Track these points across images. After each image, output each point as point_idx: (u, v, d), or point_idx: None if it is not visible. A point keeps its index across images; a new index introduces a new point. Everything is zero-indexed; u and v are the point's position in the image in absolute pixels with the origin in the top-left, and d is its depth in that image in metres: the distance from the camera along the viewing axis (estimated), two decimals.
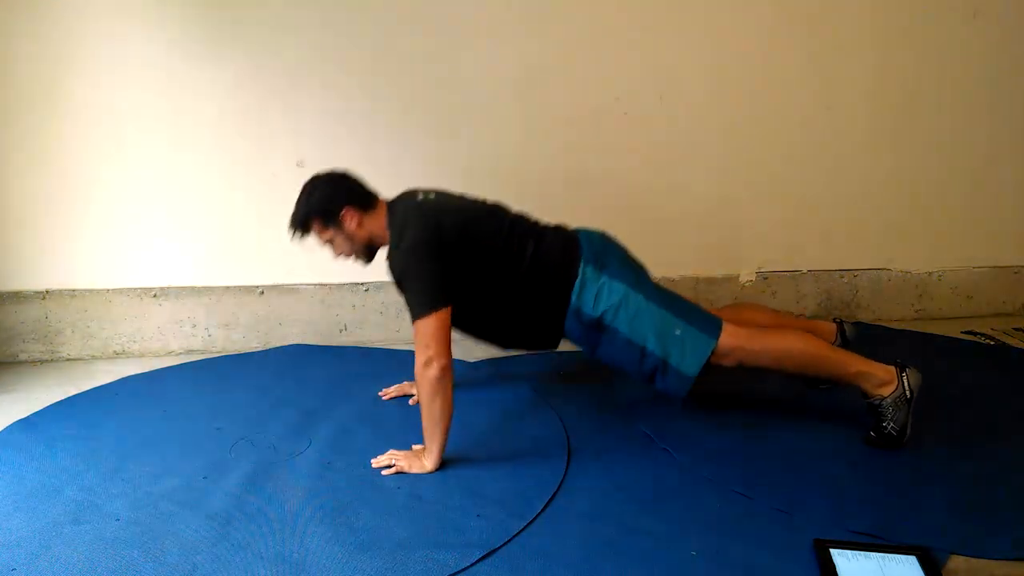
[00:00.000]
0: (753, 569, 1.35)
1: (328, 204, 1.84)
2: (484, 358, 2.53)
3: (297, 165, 2.53)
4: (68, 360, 2.56)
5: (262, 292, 2.64)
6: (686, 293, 2.21)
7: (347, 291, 2.68)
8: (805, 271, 2.93)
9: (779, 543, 1.42)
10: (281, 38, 2.42)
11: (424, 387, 1.70)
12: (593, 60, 2.58)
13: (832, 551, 1.37)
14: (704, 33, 2.61)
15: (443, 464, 1.73)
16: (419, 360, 1.70)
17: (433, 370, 1.68)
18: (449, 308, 1.73)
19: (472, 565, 1.36)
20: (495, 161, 2.57)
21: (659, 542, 1.43)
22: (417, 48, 2.49)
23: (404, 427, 1.96)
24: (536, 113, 2.60)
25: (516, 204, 1.97)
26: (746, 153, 2.75)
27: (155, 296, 2.58)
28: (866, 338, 2.11)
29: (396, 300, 2.70)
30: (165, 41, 2.37)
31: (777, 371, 1.83)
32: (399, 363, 2.45)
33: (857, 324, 2.22)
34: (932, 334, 2.78)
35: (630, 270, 1.86)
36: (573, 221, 1.98)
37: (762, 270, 2.90)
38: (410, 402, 2.10)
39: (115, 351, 2.60)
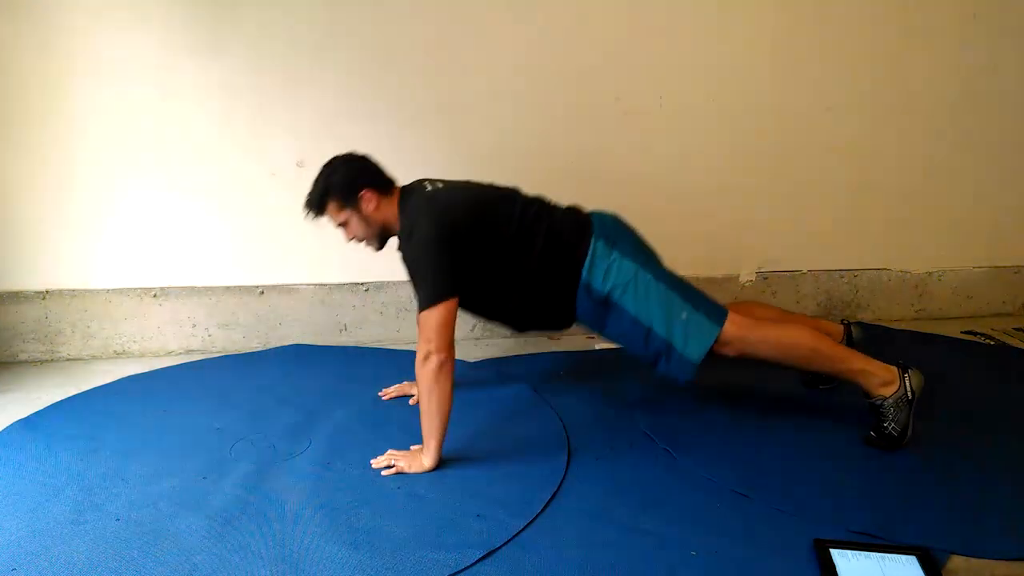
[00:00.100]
0: (753, 569, 1.35)
1: (348, 184, 1.84)
2: (484, 358, 2.54)
3: (297, 165, 2.53)
4: (68, 360, 2.56)
5: (262, 292, 2.63)
6: None
7: (347, 291, 2.68)
8: (805, 271, 2.93)
9: (779, 543, 1.42)
10: (281, 38, 2.42)
11: (423, 380, 1.70)
12: (593, 61, 2.58)
13: (832, 551, 1.37)
14: (704, 34, 2.61)
15: (443, 463, 1.73)
16: (420, 353, 1.70)
17: (432, 363, 1.68)
18: (455, 301, 1.73)
19: (472, 565, 1.36)
20: (495, 160, 2.56)
21: (659, 542, 1.43)
22: (417, 47, 2.49)
23: (404, 427, 1.96)
24: (536, 112, 2.60)
25: None
26: (746, 153, 2.75)
27: (155, 296, 2.58)
28: (867, 338, 2.11)
29: (396, 300, 2.71)
30: (165, 41, 2.37)
31: (779, 364, 1.83)
32: (399, 363, 2.45)
33: (861, 325, 2.22)
34: (932, 334, 2.78)
35: (640, 252, 1.88)
36: None
37: (762, 270, 2.90)
38: (410, 402, 2.10)
39: (115, 351, 2.60)
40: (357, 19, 2.44)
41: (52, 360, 2.56)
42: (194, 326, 2.62)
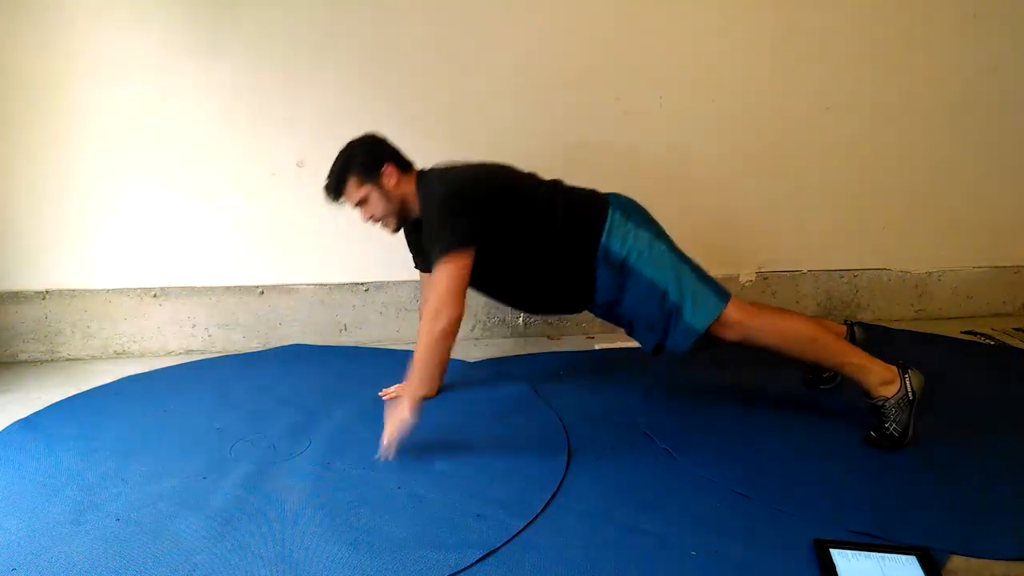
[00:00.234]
0: (753, 569, 1.35)
1: (370, 159, 1.88)
2: (484, 358, 2.54)
3: (297, 165, 2.53)
4: (68, 360, 2.56)
5: (262, 292, 2.64)
6: None
7: (347, 291, 2.68)
8: (805, 271, 2.93)
9: (779, 543, 1.42)
10: (281, 38, 2.42)
11: (427, 336, 1.70)
12: (593, 61, 2.59)
13: (832, 551, 1.37)
14: (704, 34, 2.61)
15: (443, 465, 1.73)
16: (429, 308, 1.70)
17: (442, 323, 1.68)
18: (471, 254, 1.75)
19: (472, 565, 1.36)
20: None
21: (659, 542, 1.43)
22: (417, 47, 2.49)
23: None
24: (536, 112, 2.60)
25: None
26: (746, 153, 2.75)
27: (155, 296, 2.58)
28: (868, 339, 2.11)
29: (396, 300, 2.71)
30: (165, 41, 2.37)
31: (780, 353, 1.84)
32: (399, 363, 2.43)
33: (864, 326, 2.23)
34: (932, 334, 2.78)
35: (654, 226, 1.95)
36: None
37: (762, 270, 2.90)
38: None
39: (115, 351, 2.60)
40: (357, 19, 2.44)
41: (52, 360, 2.56)
42: (194, 326, 2.62)
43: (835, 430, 1.90)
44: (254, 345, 2.66)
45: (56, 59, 2.33)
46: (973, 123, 2.83)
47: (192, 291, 2.59)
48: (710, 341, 1.88)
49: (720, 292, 1.86)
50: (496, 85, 2.56)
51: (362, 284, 2.68)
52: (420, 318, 2.12)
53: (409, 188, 1.91)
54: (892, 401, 1.76)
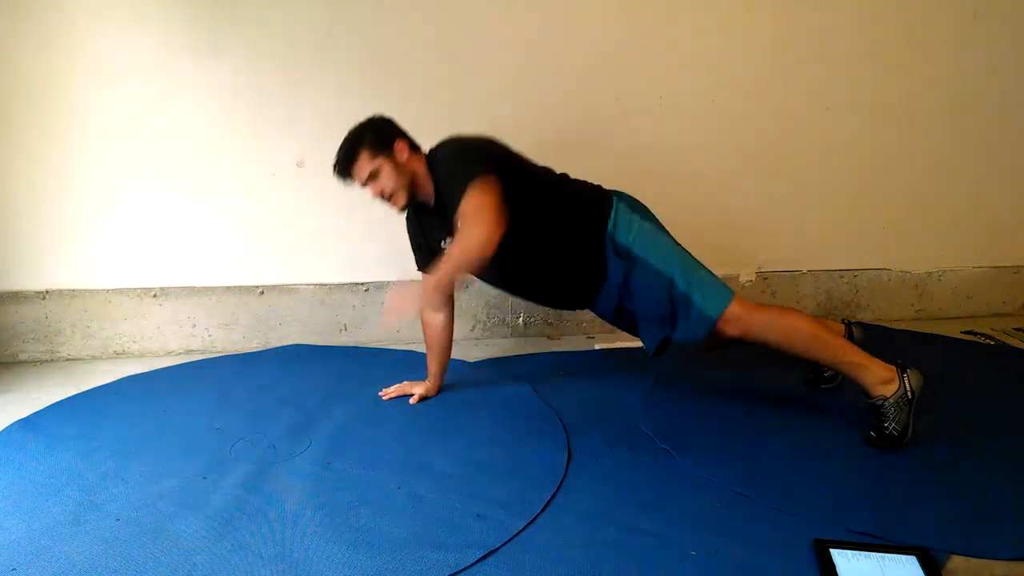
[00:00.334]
0: (753, 569, 1.35)
1: (382, 134, 1.89)
2: (484, 358, 2.54)
3: (297, 165, 2.53)
4: (68, 360, 2.56)
5: (262, 292, 2.64)
6: None
7: (347, 291, 2.68)
8: (805, 271, 2.93)
9: (779, 543, 1.42)
10: (280, 38, 2.42)
11: (467, 242, 1.69)
12: (593, 61, 2.59)
13: (832, 551, 1.37)
14: (704, 34, 2.61)
15: (443, 465, 1.74)
16: (470, 233, 1.69)
17: (480, 234, 1.68)
18: (497, 178, 1.75)
19: (472, 565, 1.36)
20: None
21: (659, 542, 1.43)
22: (417, 47, 2.49)
23: (404, 428, 1.96)
24: (535, 112, 2.60)
25: None
26: (746, 153, 2.75)
27: (155, 296, 2.58)
28: (867, 339, 2.11)
29: None
30: (165, 41, 2.38)
31: (780, 349, 1.84)
32: (399, 363, 2.45)
33: (862, 326, 2.23)
34: (932, 334, 2.78)
35: (656, 221, 1.98)
36: None
37: (762, 270, 2.90)
38: (411, 401, 2.10)
39: (115, 351, 2.60)
40: (357, 19, 2.44)
41: (52, 360, 2.56)
42: (194, 326, 2.62)
43: (835, 430, 1.90)
44: (254, 345, 2.66)
45: (56, 59, 2.33)
46: (973, 123, 2.83)
47: (192, 291, 2.59)
48: (710, 341, 1.88)
49: (725, 286, 1.89)
50: (496, 85, 2.56)
51: (362, 284, 2.68)
52: (423, 323, 2.11)
53: (419, 166, 1.91)
54: (891, 400, 1.76)
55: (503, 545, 1.42)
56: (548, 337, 2.80)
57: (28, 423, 2.00)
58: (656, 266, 1.86)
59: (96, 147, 2.42)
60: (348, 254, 2.65)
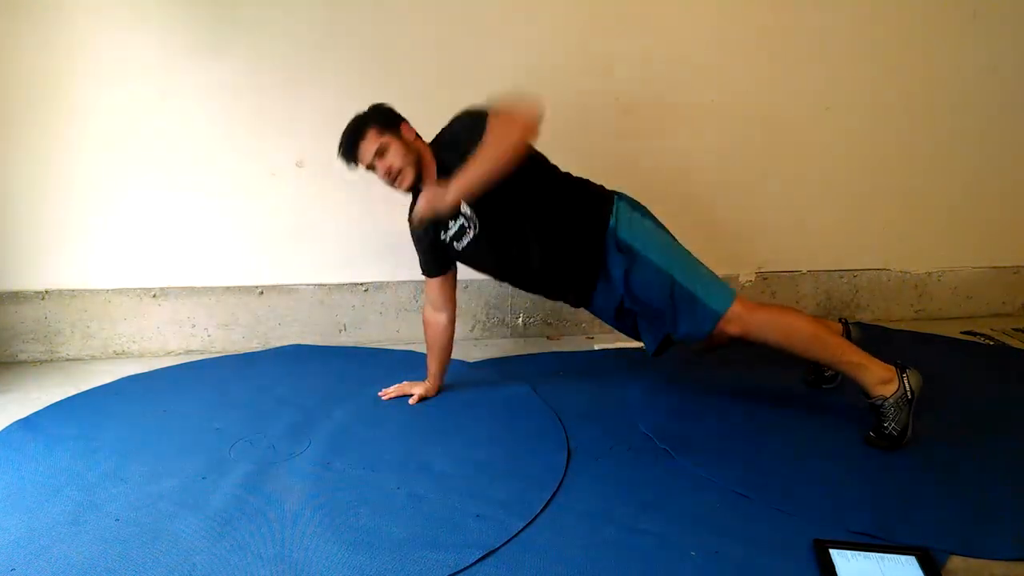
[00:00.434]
0: (753, 569, 1.35)
1: (388, 115, 1.90)
2: (484, 358, 2.54)
3: (297, 165, 2.53)
4: (68, 360, 2.56)
5: (262, 292, 2.64)
6: None
7: (347, 291, 2.68)
8: (805, 271, 2.93)
9: (779, 543, 1.42)
10: (280, 38, 2.42)
11: (501, 141, 1.68)
12: (593, 61, 2.58)
13: (832, 551, 1.37)
14: (704, 33, 2.61)
15: (442, 465, 1.73)
16: (503, 133, 1.69)
17: (515, 135, 1.69)
18: None
19: (471, 565, 1.36)
20: None
21: (659, 542, 1.43)
22: (417, 47, 2.49)
23: (404, 428, 1.96)
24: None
25: None
26: (746, 153, 2.75)
27: (155, 296, 2.58)
28: (866, 339, 2.11)
29: (396, 300, 2.71)
30: (165, 41, 2.37)
31: (780, 349, 1.84)
32: (399, 363, 2.45)
33: (860, 326, 2.24)
34: (932, 334, 2.78)
35: (656, 220, 1.98)
36: None
37: (762, 270, 2.90)
38: (410, 401, 2.10)
39: (115, 351, 2.60)
40: (357, 19, 2.44)
41: (52, 360, 2.56)
42: (194, 326, 2.62)
43: (835, 430, 1.90)
44: (254, 345, 2.66)
45: (56, 59, 2.33)
46: (973, 123, 2.83)
47: (192, 291, 2.59)
48: (709, 342, 1.88)
49: (725, 283, 1.89)
50: (496, 85, 2.55)
51: (362, 284, 2.68)
52: (424, 324, 2.11)
53: (425, 148, 1.92)
54: (891, 400, 1.76)
55: (503, 545, 1.42)
56: (548, 337, 2.80)
57: (28, 423, 2.00)
58: (657, 262, 1.86)
59: (96, 147, 2.42)
60: (348, 254, 2.65)
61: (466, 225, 1.92)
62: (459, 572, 1.34)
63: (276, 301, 2.65)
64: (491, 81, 2.55)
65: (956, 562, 1.37)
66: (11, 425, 1.99)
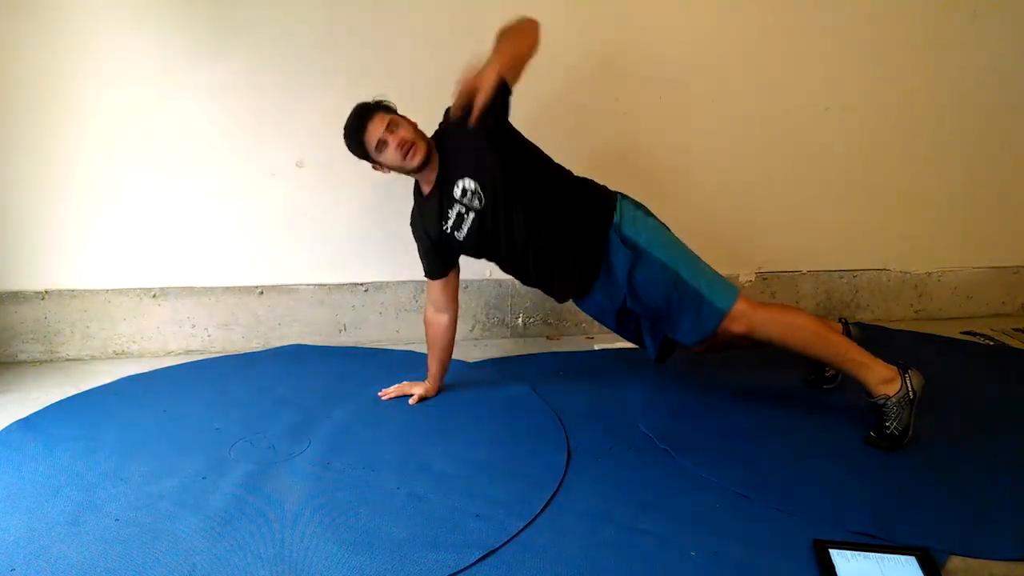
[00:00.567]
0: (753, 569, 1.35)
1: (389, 105, 1.93)
2: (484, 358, 2.54)
3: (297, 165, 2.53)
4: (68, 360, 2.56)
5: (262, 292, 2.63)
6: None
7: (347, 291, 2.68)
8: (805, 271, 2.93)
9: (779, 543, 1.42)
10: (281, 38, 2.42)
11: (515, 34, 1.75)
12: (593, 61, 2.58)
13: (831, 551, 1.37)
14: (704, 34, 2.61)
15: (442, 465, 1.73)
16: (517, 36, 1.76)
17: (530, 38, 1.75)
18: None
19: (471, 565, 1.36)
20: None
21: (659, 542, 1.43)
22: (417, 47, 2.49)
23: (404, 427, 1.96)
24: (535, 113, 2.59)
25: None
26: (745, 153, 2.75)
27: (155, 296, 2.58)
28: (865, 339, 2.11)
29: (396, 300, 2.71)
30: (165, 41, 2.37)
31: (784, 347, 1.84)
32: (399, 363, 2.45)
33: (860, 326, 2.24)
34: (932, 334, 2.78)
35: (660, 221, 1.99)
36: None
37: (762, 270, 2.90)
38: (410, 401, 2.10)
39: (115, 351, 2.59)
40: (357, 19, 2.44)
41: (51, 360, 2.56)
42: (193, 326, 2.62)
43: (835, 430, 1.90)
44: (254, 345, 2.66)
45: (56, 59, 2.33)
46: (973, 123, 2.83)
47: (192, 291, 2.59)
48: (713, 342, 1.88)
49: (729, 282, 1.90)
50: None
51: (362, 284, 2.68)
52: (426, 324, 2.11)
53: (427, 137, 1.93)
54: (893, 400, 1.76)
55: (503, 545, 1.42)
56: (548, 337, 2.80)
57: (27, 423, 2.00)
58: (662, 259, 1.86)
59: (96, 147, 2.42)
60: (348, 254, 2.65)
61: (464, 211, 1.91)
62: (459, 572, 1.34)
63: (276, 301, 2.65)
64: None
65: (956, 562, 1.37)
66: (11, 425, 1.99)
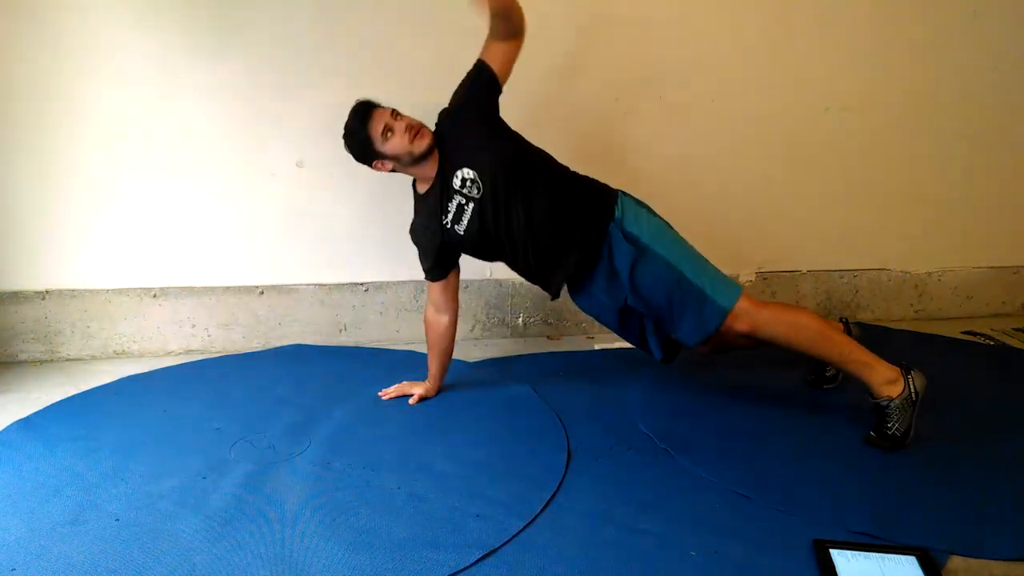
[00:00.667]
0: (753, 569, 1.35)
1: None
2: (484, 358, 2.54)
3: (297, 165, 2.53)
4: (68, 360, 2.56)
5: (262, 292, 2.63)
6: None
7: (347, 291, 2.68)
8: (805, 271, 2.93)
9: (779, 543, 1.42)
10: (280, 38, 2.42)
11: None
12: (593, 61, 2.58)
13: (832, 551, 1.37)
14: (704, 34, 2.61)
15: (442, 465, 1.73)
16: None
17: None
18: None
19: (471, 565, 1.36)
20: None
21: (659, 542, 1.43)
22: (417, 48, 2.49)
23: (404, 427, 1.96)
24: (536, 113, 2.59)
25: None
26: (746, 153, 2.75)
27: (155, 296, 2.58)
28: (866, 339, 2.11)
29: (396, 300, 2.71)
30: (166, 42, 2.37)
31: (787, 346, 1.84)
32: (399, 363, 2.45)
33: (860, 326, 2.24)
34: (932, 334, 2.78)
35: (662, 219, 1.98)
36: None
37: (762, 270, 2.90)
38: (410, 401, 2.10)
39: (115, 351, 2.59)
40: (356, 19, 2.44)
41: (52, 360, 2.56)
42: (194, 326, 2.62)
43: (835, 430, 1.90)
44: (254, 345, 2.66)
45: (56, 59, 2.33)
46: (973, 123, 2.83)
47: (192, 291, 2.59)
48: (716, 341, 1.88)
49: (732, 281, 1.90)
50: None
51: (362, 284, 2.68)
52: (426, 325, 2.11)
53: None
54: (896, 401, 1.76)
55: (503, 545, 1.42)
56: (548, 337, 2.80)
57: (28, 423, 2.00)
58: (666, 256, 1.86)
59: (96, 147, 2.42)
60: (348, 254, 2.65)
61: (463, 202, 1.91)
62: (459, 572, 1.34)
63: (276, 301, 2.65)
64: None
65: (956, 562, 1.37)
66: (11, 425, 1.99)
